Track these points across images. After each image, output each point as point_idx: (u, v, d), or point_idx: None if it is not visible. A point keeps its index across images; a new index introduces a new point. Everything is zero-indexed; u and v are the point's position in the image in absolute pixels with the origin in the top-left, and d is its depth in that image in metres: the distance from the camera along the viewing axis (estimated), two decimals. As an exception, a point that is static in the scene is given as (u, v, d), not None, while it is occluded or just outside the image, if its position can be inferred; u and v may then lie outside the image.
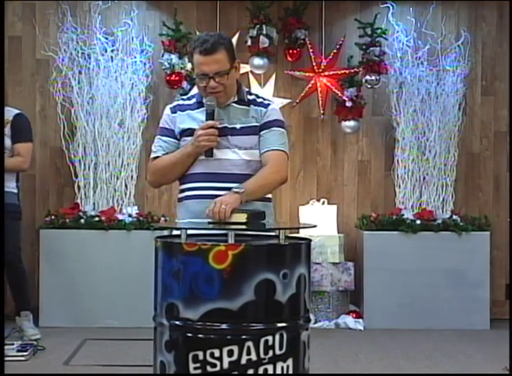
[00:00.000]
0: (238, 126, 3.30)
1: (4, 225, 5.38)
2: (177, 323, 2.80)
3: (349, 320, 6.25)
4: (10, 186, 5.66)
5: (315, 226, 3.15)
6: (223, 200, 3.04)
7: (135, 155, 6.41)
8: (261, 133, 3.32)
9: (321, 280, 6.25)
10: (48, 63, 6.50)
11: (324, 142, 6.82)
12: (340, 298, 6.36)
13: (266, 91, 6.53)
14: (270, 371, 2.76)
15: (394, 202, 6.59)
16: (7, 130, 5.61)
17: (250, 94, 3.42)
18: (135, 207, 6.38)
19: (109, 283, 6.16)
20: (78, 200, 6.37)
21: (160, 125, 3.42)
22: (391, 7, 6.50)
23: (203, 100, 3.29)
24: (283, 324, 2.80)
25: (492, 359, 5.18)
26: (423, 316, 6.26)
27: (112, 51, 6.38)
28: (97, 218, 6.22)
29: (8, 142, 5.59)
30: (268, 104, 3.39)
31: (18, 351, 5.07)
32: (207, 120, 3.25)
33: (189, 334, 2.77)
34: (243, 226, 3.02)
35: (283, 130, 3.37)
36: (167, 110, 3.41)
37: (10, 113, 5.70)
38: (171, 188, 6.26)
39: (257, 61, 6.47)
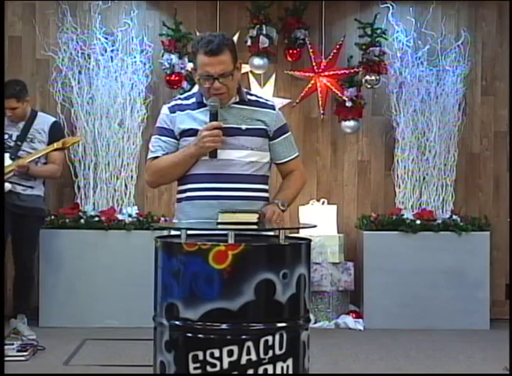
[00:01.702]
0: (243, 127, 3.30)
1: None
2: (177, 323, 2.80)
3: (349, 320, 6.25)
4: (41, 190, 5.76)
5: (315, 226, 3.16)
6: (280, 214, 3.27)
7: (135, 155, 6.41)
8: (276, 140, 3.38)
9: (321, 280, 6.25)
10: (48, 63, 6.50)
11: (324, 142, 6.82)
12: (340, 298, 6.36)
13: (266, 91, 6.53)
14: (270, 371, 2.76)
15: (394, 202, 6.59)
16: (44, 137, 5.71)
17: (251, 95, 3.42)
18: (135, 208, 6.38)
19: (109, 283, 6.16)
20: (78, 200, 6.37)
21: (158, 125, 3.38)
22: (390, 7, 6.50)
23: (207, 101, 3.28)
24: (283, 324, 2.80)
25: (492, 359, 5.18)
26: (423, 316, 6.26)
27: (112, 51, 6.38)
28: (97, 219, 6.23)
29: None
30: (273, 106, 3.41)
31: (18, 351, 5.07)
32: (210, 120, 3.23)
33: (189, 334, 2.77)
34: (253, 226, 3.03)
35: (290, 133, 3.47)
36: (165, 110, 3.37)
37: (48, 119, 5.82)
38: (170, 188, 6.24)
39: (257, 61, 6.47)
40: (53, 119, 5.90)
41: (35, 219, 5.74)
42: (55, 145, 5.66)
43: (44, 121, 5.77)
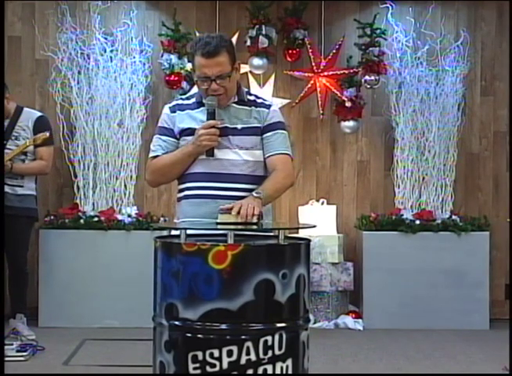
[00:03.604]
0: (239, 126, 3.31)
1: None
2: (176, 323, 2.80)
3: (348, 320, 6.25)
4: (31, 188, 5.69)
5: (314, 226, 3.15)
6: (249, 203, 3.06)
7: (135, 155, 6.41)
8: (265, 136, 3.34)
9: (320, 281, 6.25)
10: (47, 64, 6.50)
11: (323, 142, 6.82)
12: (340, 298, 6.36)
13: (265, 91, 6.53)
14: (269, 371, 2.75)
15: (393, 202, 6.59)
16: (29, 133, 5.62)
17: (250, 94, 3.42)
18: (135, 208, 6.38)
19: (108, 283, 6.16)
20: (78, 201, 6.37)
21: (159, 124, 3.41)
22: (390, 7, 6.51)
23: (204, 100, 3.29)
24: (283, 324, 2.80)
25: (491, 360, 5.18)
26: (422, 316, 6.26)
27: (111, 51, 6.38)
28: (96, 219, 6.22)
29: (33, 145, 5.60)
30: (270, 105, 3.40)
31: (17, 351, 5.08)
32: (208, 119, 3.25)
33: (189, 335, 2.77)
34: (250, 227, 3.03)
35: (286, 133, 3.40)
36: (166, 110, 3.40)
37: (32, 115, 5.71)
38: (170, 188, 6.26)
39: (257, 61, 6.47)
40: (38, 114, 5.77)
41: (25, 220, 5.65)
42: (28, 142, 5.55)
43: (28, 117, 5.66)
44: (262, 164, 3.36)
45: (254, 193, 3.17)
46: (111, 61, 6.38)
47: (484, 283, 6.32)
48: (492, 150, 6.80)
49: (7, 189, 5.54)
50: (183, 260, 2.78)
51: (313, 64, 6.54)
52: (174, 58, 6.37)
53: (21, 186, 5.62)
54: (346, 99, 6.50)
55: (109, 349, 5.43)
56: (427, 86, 6.49)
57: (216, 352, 2.73)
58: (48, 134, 5.59)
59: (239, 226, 3.00)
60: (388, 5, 6.50)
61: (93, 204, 6.36)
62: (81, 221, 6.21)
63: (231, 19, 6.65)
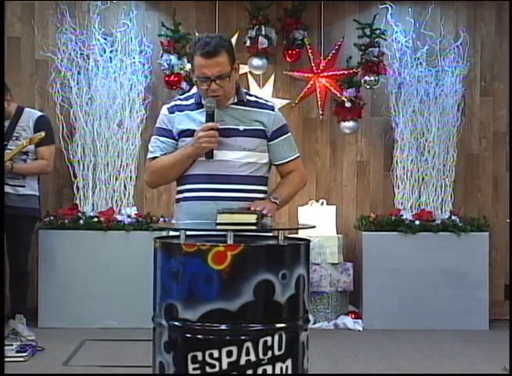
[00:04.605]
0: (241, 128, 3.29)
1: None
2: (176, 323, 2.80)
3: (348, 321, 6.25)
4: (34, 188, 5.68)
5: (314, 227, 3.15)
6: (266, 205, 3.16)
7: (134, 156, 6.41)
8: (274, 142, 3.36)
9: (320, 281, 6.25)
10: (46, 64, 6.50)
11: (323, 142, 6.82)
12: (339, 298, 6.36)
13: (265, 91, 6.52)
14: (269, 372, 2.75)
15: (393, 203, 6.59)
16: (29, 133, 5.60)
17: (250, 95, 3.41)
18: (134, 208, 6.38)
19: (108, 283, 6.15)
20: (77, 201, 6.37)
21: (157, 125, 3.39)
22: (389, 7, 6.51)
23: (203, 101, 3.28)
24: (282, 325, 2.80)
25: (491, 360, 5.19)
26: (422, 316, 6.26)
27: (111, 52, 6.38)
28: (96, 219, 6.22)
29: (31, 145, 5.58)
30: (273, 107, 3.39)
31: (17, 352, 5.08)
32: (207, 121, 3.23)
33: (188, 335, 2.77)
34: (252, 227, 3.03)
35: (290, 134, 3.44)
36: (165, 110, 3.37)
37: (33, 115, 5.71)
38: (169, 189, 6.25)
39: (256, 62, 6.47)
40: (38, 114, 5.78)
41: (26, 220, 5.66)
42: (25, 142, 5.53)
43: (29, 117, 5.66)
44: (263, 165, 3.35)
45: (271, 198, 3.27)
46: (111, 61, 6.38)
47: (484, 283, 6.32)
48: (492, 151, 6.81)
49: (9, 189, 5.54)
50: (183, 260, 2.78)
51: (313, 65, 6.54)
52: (173, 58, 6.37)
53: (23, 186, 5.63)
54: (346, 100, 6.50)
55: (109, 350, 5.43)
56: (427, 86, 6.49)
57: (216, 353, 2.73)
58: (43, 133, 5.55)
59: (239, 227, 3.00)
60: (388, 5, 6.51)
61: (93, 204, 6.36)
62: (81, 221, 6.21)
63: (230, 20, 6.65)
